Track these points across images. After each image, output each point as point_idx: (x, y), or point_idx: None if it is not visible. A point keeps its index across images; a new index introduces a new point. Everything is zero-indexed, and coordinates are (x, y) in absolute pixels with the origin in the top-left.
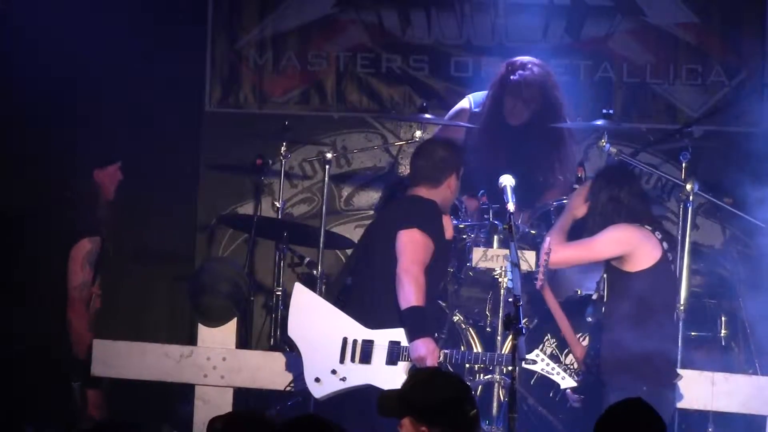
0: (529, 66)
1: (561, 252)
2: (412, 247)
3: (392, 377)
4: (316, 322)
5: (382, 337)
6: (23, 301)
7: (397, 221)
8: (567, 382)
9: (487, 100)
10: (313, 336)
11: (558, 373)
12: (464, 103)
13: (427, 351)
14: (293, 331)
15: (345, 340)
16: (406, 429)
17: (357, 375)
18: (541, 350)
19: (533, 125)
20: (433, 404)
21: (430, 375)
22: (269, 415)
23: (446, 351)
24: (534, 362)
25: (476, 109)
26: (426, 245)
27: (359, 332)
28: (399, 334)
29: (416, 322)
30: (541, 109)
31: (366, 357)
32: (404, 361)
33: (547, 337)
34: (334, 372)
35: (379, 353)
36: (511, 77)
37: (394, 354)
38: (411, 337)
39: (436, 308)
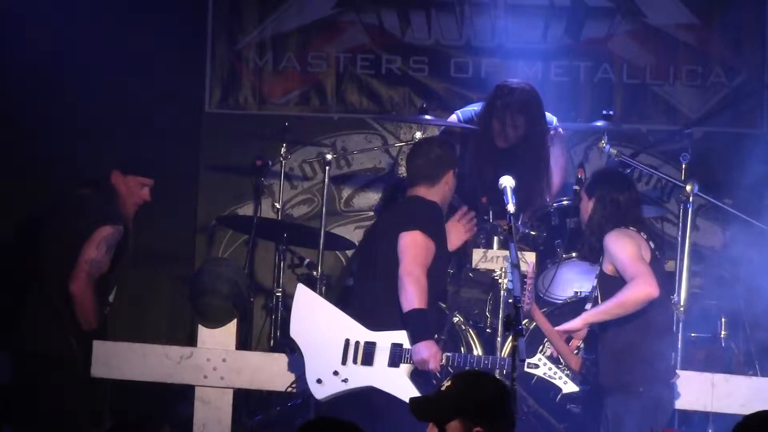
0: (518, 91)
1: (612, 301)
2: (413, 249)
3: (394, 379)
4: (319, 323)
5: (384, 339)
6: (47, 306)
7: (398, 223)
8: (569, 386)
9: (477, 119)
10: (315, 337)
11: (560, 378)
12: (452, 118)
13: (430, 354)
14: (295, 332)
15: (347, 341)
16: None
17: (359, 377)
18: (541, 351)
19: (519, 147)
20: (487, 402)
21: (475, 375)
22: None
23: (448, 354)
24: (536, 366)
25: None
26: (427, 247)
27: (361, 334)
28: (401, 337)
29: (418, 325)
30: (527, 133)
31: (368, 359)
32: (406, 363)
33: (547, 339)
34: (336, 373)
35: (381, 355)
36: (499, 102)
37: (396, 356)
38: (413, 340)
39: (436, 309)
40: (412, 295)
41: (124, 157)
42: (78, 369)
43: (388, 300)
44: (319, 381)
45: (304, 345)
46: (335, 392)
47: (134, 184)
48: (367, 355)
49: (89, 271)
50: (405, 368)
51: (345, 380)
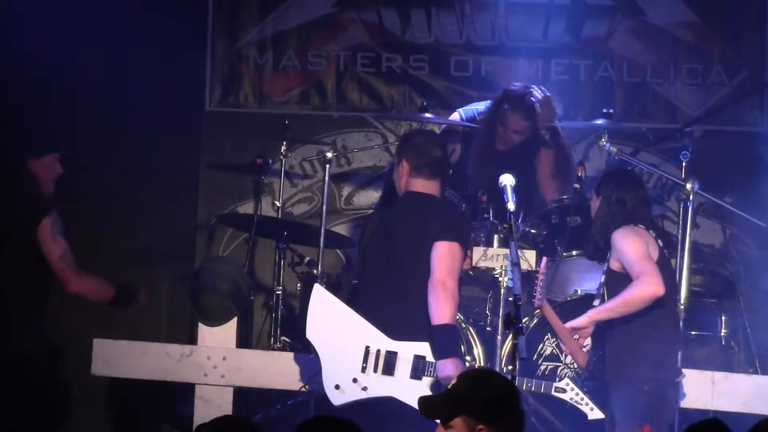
0: (525, 99)
1: (619, 299)
2: (450, 260)
3: (416, 392)
4: (337, 328)
5: (407, 350)
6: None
7: (435, 229)
8: (595, 413)
9: (480, 121)
10: (333, 341)
11: (587, 404)
12: (454, 116)
13: (456, 371)
14: (312, 334)
15: (367, 348)
16: (458, 429)
17: (379, 386)
18: (541, 349)
19: (521, 148)
20: (491, 400)
21: (482, 373)
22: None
23: None
24: (563, 390)
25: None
26: (462, 260)
27: (382, 342)
28: (424, 348)
29: (447, 341)
30: (529, 136)
31: (389, 369)
32: (429, 376)
33: (547, 337)
34: (355, 381)
35: (403, 366)
36: (505, 106)
37: (419, 369)
38: (440, 355)
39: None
40: (446, 310)
41: (29, 142)
42: (36, 368)
43: (412, 308)
44: (337, 387)
45: (321, 349)
46: (354, 400)
47: (49, 162)
48: (389, 364)
49: (67, 265)
50: (427, 381)
51: (365, 388)
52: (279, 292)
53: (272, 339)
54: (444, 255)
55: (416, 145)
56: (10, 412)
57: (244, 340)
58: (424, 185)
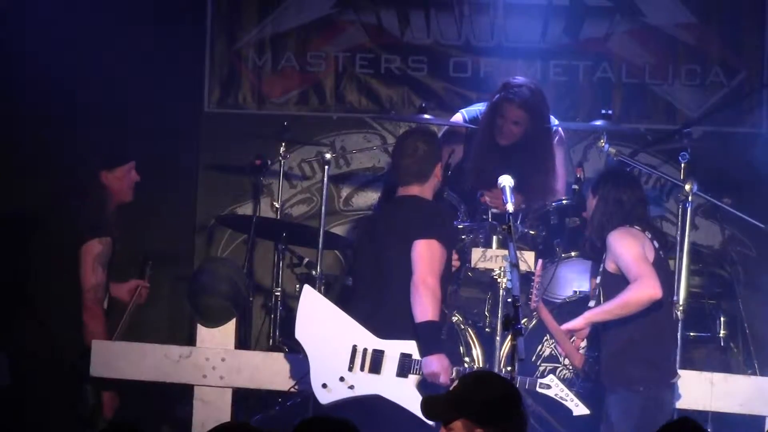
0: (522, 89)
1: (616, 301)
2: (429, 258)
3: (402, 390)
4: (325, 327)
5: (393, 348)
6: (34, 311)
7: (414, 229)
8: (580, 409)
9: (481, 117)
10: (321, 341)
11: (572, 400)
12: (457, 117)
13: (441, 367)
14: (301, 334)
15: (354, 347)
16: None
17: (366, 384)
18: (540, 350)
19: (521, 145)
20: (491, 403)
21: (483, 375)
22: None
23: (459, 368)
24: (548, 387)
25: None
26: (443, 256)
27: (369, 341)
28: (410, 347)
29: (431, 337)
30: (529, 131)
31: (376, 367)
32: (415, 374)
33: (546, 338)
34: (342, 379)
35: (390, 364)
36: (502, 98)
37: (405, 366)
38: (425, 352)
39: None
40: (427, 307)
41: (101, 155)
42: (67, 371)
43: (397, 307)
44: (324, 386)
45: (309, 348)
46: (341, 398)
47: (122, 174)
48: (375, 363)
49: (95, 297)
50: (413, 379)
51: (351, 387)
52: (278, 293)
53: (271, 340)
54: (423, 254)
55: (393, 153)
56: (44, 413)
57: (243, 342)
58: (404, 189)
